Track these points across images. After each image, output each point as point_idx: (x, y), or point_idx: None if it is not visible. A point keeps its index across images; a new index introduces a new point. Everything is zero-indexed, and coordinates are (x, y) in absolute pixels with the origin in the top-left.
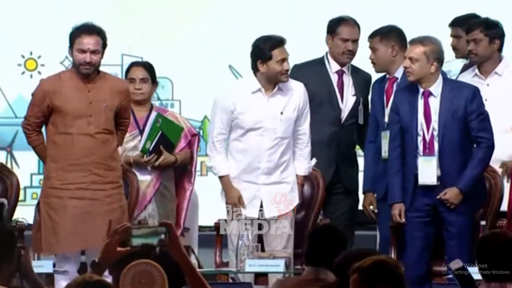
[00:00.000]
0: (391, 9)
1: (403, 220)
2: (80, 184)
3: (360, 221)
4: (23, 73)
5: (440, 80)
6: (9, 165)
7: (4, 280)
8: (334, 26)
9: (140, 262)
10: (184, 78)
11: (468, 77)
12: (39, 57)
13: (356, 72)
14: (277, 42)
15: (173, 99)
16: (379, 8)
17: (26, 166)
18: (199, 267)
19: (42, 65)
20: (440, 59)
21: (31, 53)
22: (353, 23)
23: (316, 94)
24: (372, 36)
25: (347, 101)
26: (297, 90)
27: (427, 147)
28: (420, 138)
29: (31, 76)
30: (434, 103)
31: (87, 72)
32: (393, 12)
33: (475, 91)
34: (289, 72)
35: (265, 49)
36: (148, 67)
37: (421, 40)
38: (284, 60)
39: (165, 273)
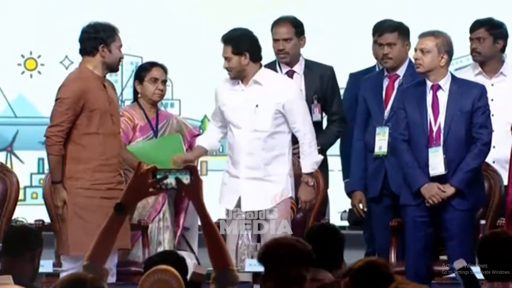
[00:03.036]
0: (389, 9)
1: (439, 198)
2: (109, 185)
3: (355, 221)
4: (23, 73)
5: (449, 75)
6: (9, 165)
7: (26, 279)
8: (271, 28)
9: (158, 270)
10: (184, 78)
11: (470, 75)
12: (39, 57)
13: (312, 69)
14: None
15: (173, 98)
16: (378, 8)
17: (26, 166)
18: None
19: (42, 64)
20: (450, 53)
21: (31, 53)
22: (283, 22)
23: None
24: (390, 30)
25: None
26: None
27: (434, 138)
28: (428, 130)
29: (31, 76)
30: (443, 97)
31: (118, 69)
32: (391, 12)
33: (483, 90)
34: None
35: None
36: (166, 69)
37: (433, 33)
38: None
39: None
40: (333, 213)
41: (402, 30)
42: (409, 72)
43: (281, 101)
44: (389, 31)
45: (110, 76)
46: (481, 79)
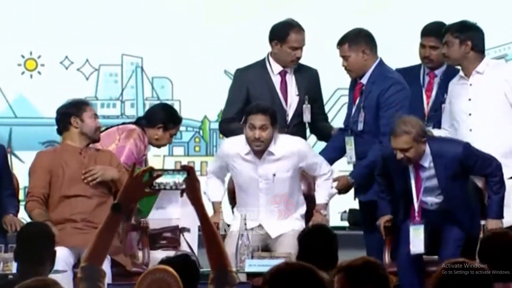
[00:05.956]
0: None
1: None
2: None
3: (354, 221)
4: (23, 73)
5: (428, 150)
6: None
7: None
8: (283, 33)
9: (157, 269)
10: (184, 78)
11: (456, 80)
12: (39, 57)
13: (300, 70)
14: None
15: (173, 99)
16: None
17: (26, 166)
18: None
19: (42, 65)
20: (424, 137)
21: (31, 53)
22: (301, 29)
23: (259, 98)
24: (340, 44)
25: (292, 102)
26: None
27: (416, 216)
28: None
29: (31, 76)
30: (424, 173)
31: (98, 139)
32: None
33: (463, 150)
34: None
35: None
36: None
37: (407, 131)
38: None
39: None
40: (333, 213)
41: (351, 41)
42: (371, 80)
43: (298, 164)
44: (339, 45)
45: (110, 76)
46: (462, 81)
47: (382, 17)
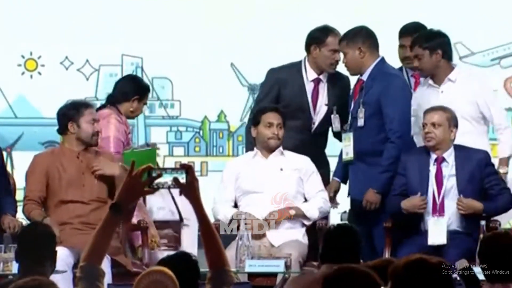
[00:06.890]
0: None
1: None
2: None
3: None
4: (23, 73)
5: (452, 147)
6: (8, 166)
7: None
8: (321, 36)
9: (154, 271)
10: (184, 78)
11: (424, 88)
12: (39, 57)
13: (333, 78)
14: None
15: (173, 99)
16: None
17: (25, 167)
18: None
19: (42, 65)
20: (456, 126)
21: (31, 53)
22: (338, 33)
23: (290, 101)
24: (341, 40)
25: (320, 111)
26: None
27: (438, 209)
28: (430, 201)
29: (31, 76)
30: (447, 169)
31: (96, 143)
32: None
33: (485, 156)
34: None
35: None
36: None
37: (442, 108)
38: None
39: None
40: (333, 213)
41: (349, 38)
42: (371, 77)
43: (302, 171)
44: (339, 42)
45: (110, 76)
46: (432, 89)
47: (382, 17)
